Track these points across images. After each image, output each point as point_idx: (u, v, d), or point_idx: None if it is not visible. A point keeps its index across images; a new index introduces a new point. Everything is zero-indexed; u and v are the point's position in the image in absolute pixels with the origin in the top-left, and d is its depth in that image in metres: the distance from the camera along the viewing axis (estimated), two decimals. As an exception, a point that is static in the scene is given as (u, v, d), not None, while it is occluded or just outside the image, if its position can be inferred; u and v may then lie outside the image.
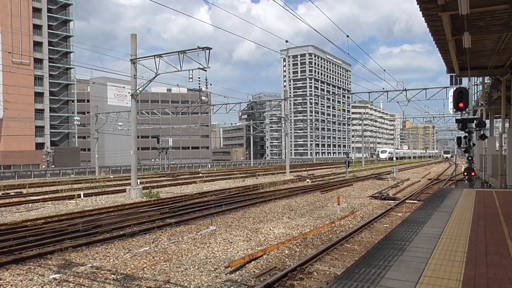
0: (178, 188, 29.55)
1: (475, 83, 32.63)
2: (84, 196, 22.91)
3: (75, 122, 70.07)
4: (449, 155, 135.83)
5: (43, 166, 61.04)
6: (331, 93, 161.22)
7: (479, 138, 23.91)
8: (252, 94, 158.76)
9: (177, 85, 48.95)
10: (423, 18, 11.65)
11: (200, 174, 46.12)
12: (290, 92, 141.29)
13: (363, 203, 20.14)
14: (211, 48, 21.38)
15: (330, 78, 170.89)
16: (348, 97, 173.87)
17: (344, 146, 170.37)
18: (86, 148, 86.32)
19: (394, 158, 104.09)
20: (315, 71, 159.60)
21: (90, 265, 9.30)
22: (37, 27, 71.43)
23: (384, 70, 34.99)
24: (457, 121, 20.12)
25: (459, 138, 21.35)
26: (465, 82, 33.73)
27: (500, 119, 24.89)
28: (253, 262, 9.28)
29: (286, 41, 31.78)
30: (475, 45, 14.34)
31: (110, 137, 73.20)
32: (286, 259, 9.64)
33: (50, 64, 71.27)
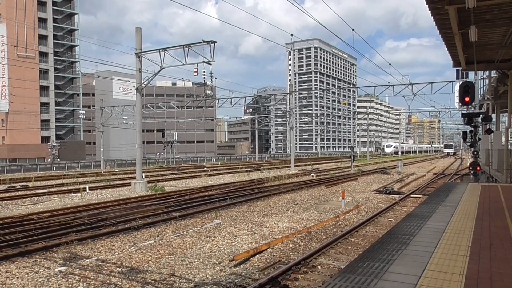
0: (183, 182, 29.64)
1: (482, 77, 32.38)
2: (89, 190, 23.02)
3: (80, 116, 70.46)
4: (451, 150, 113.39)
5: (49, 160, 61.35)
6: (336, 87, 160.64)
7: (485, 133, 23.77)
8: (258, 88, 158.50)
9: (182, 79, 48.88)
10: (430, 12, 11.55)
11: (205, 168, 46.22)
12: (295, 86, 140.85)
13: (368, 197, 20.13)
14: (216, 42, 21.34)
15: (335, 72, 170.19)
16: (354, 91, 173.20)
17: (349, 140, 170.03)
18: (91, 141, 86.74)
19: (400, 153, 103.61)
20: (320, 65, 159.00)
21: (96, 258, 9.37)
22: (42, 21, 71.56)
23: (390, 64, 34.78)
24: (463, 115, 20.02)
25: (464, 133, 21.25)
26: (471, 76, 33.50)
27: (507, 113, 24.70)
28: (257, 255, 9.31)
29: (291, 35, 31.61)
30: (482, 38, 14.21)
31: (115, 131, 73.46)
32: (291, 253, 9.67)
33: (55, 57, 71.46)
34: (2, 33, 63.70)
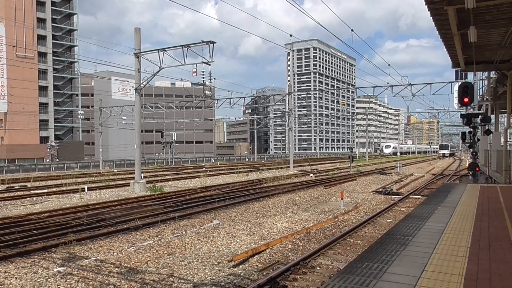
0: (182, 182, 29.62)
1: (481, 78, 32.42)
2: (88, 190, 23.01)
3: (79, 116, 70.35)
4: (447, 151, 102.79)
5: (47, 160, 61.31)
6: (335, 87, 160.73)
7: (484, 133, 23.81)
8: (257, 88, 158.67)
9: (181, 79, 48.91)
10: (429, 12, 11.56)
11: (204, 169, 46.20)
12: (294, 87, 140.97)
13: (367, 198, 20.13)
14: (215, 42, 21.34)
15: (334, 72, 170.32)
16: (353, 92, 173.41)
17: (348, 141, 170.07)
18: (90, 142, 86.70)
19: (398, 153, 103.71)
20: (319, 65, 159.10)
21: (94, 258, 9.35)
22: (41, 21, 71.52)
23: (389, 65, 34.77)
24: (462, 116, 20.07)
25: (464, 133, 21.29)
26: (470, 76, 33.52)
27: (506, 114, 24.73)
28: (256, 256, 9.30)
29: (291, 35, 31.69)
30: (481, 39, 14.22)
31: (114, 131, 73.44)
32: (289, 254, 9.66)
33: (54, 58, 71.39)
34: (1, 33, 63.66)
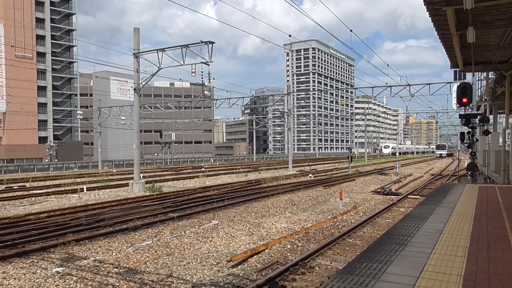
0: (181, 182, 29.60)
1: (479, 78, 32.46)
2: (87, 190, 22.99)
3: (78, 116, 70.29)
4: (444, 152, 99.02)
5: (46, 160, 61.22)
6: (334, 88, 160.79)
7: (482, 134, 23.86)
8: (256, 88, 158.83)
9: (180, 79, 48.92)
10: (428, 13, 11.57)
11: (203, 169, 46.18)
12: (293, 87, 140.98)
13: (366, 198, 20.14)
14: (214, 42, 21.35)
15: (333, 73, 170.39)
16: (352, 92, 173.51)
17: (347, 141, 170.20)
18: (89, 142, 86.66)
19: (397, 154, 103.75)
20: (318, 65, 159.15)
21: (93, 258, 9.34)
22: (39, 21, 71.41)
23: (388, 65, 34.79)
24: (461, 116, 20.12)
25: (462, 134, 21.33)
26: (469, 77, 33.56)
27: (504, 115, 24.76)
28: (255, 256, 9.30)
29: (290, 36, 31.67)
30: (480, 40, 14.23)
31: (113, 131, 73.35)
32: (288, 254, 9.66)
33: (53, 58, 71.27)
34: (-1, 33, 63.57)
